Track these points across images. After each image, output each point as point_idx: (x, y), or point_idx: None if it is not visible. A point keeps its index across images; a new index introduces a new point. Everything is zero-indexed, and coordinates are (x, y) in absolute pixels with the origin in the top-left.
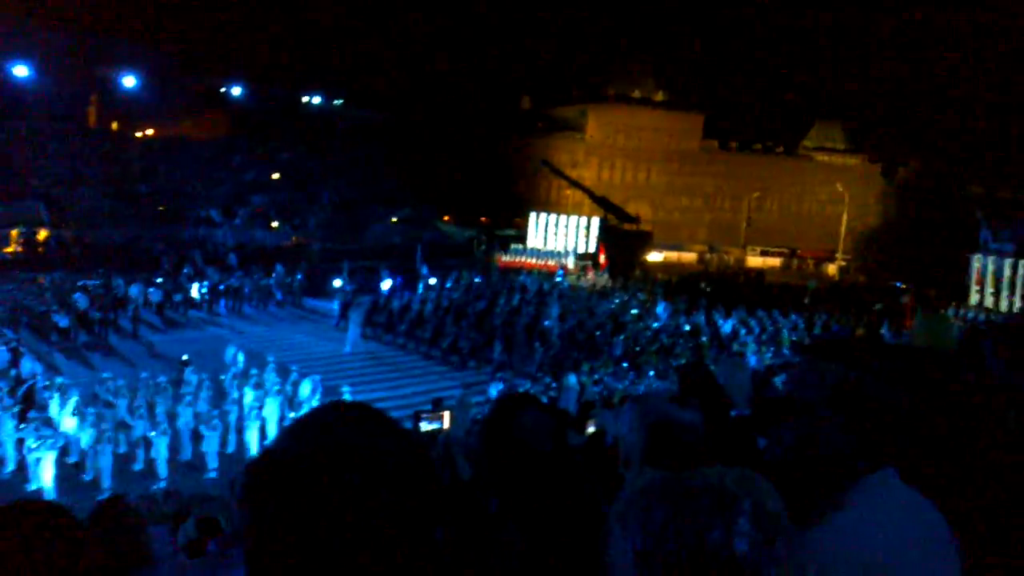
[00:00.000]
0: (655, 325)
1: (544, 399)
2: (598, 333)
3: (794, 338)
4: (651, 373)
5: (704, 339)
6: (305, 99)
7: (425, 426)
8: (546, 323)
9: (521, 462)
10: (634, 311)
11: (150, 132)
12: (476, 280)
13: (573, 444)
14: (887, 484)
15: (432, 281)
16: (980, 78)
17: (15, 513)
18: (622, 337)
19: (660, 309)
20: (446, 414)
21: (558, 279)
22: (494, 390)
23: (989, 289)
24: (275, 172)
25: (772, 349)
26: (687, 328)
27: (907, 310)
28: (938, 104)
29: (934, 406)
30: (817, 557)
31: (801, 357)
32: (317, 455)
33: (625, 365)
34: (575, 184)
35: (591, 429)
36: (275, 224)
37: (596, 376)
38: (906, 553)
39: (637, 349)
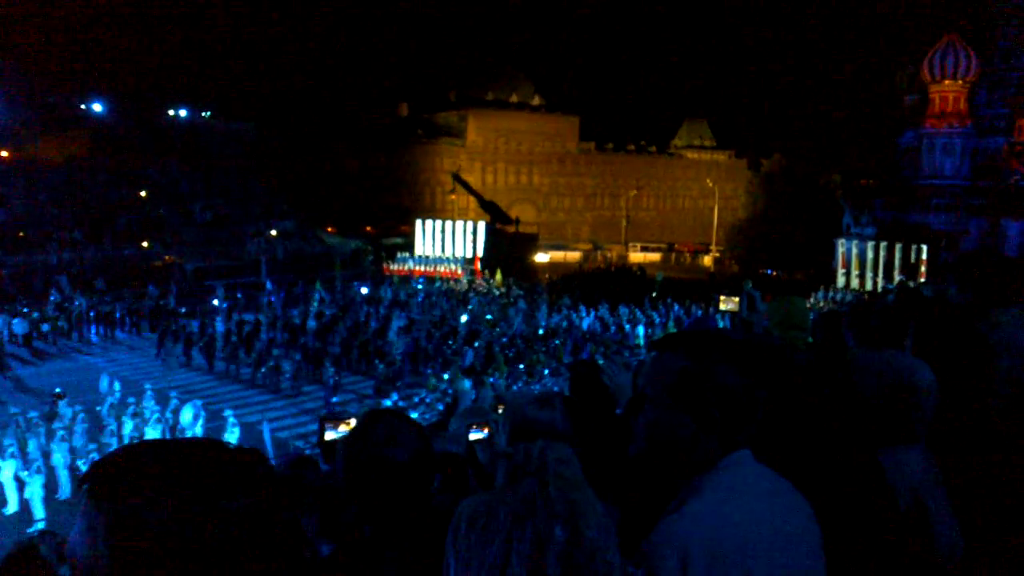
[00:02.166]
0: (511, 331)
1: (440, 406)
2: (450, 342)
3: (648, 332)
4: (546, 372)
5: (557, 342)
6: (171, 112)
7: (330, 435)
8: (390, 336)
9: (380, 477)
10: (488, 316)
11: (4, 154)
12: (364, 291)
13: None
14: (742, 466)
15: (314, 296)
16: (833, 74)
17: None
18: (475, 345)
19: (512, 312)
20: (352, 421)
21: (419, 286)
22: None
23: (855, 271)
24: (142, 189)
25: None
26: (541, 332)
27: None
28: (795, 99)
29: (776, 388)
30: (678, 543)
31: (651, 352)
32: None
33: (493, 370)
34: (475, 194)
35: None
36: (145, 243)
37: (491, 380)
38: (766, 530)
39: (499, 355)
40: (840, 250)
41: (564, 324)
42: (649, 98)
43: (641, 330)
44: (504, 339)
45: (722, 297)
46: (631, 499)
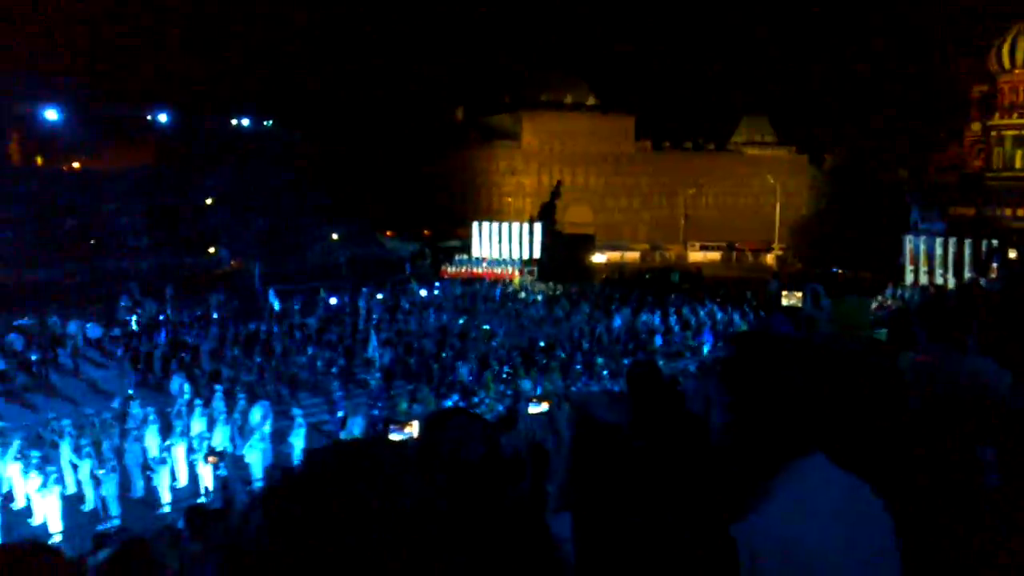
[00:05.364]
0: (499, 341)
1: (500, 407)
2: (444, 355)
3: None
4: (605, 373)
5: (562, 353)
6: (234, 122)
7: (394, 436)
8: (369, 353)
9: (453, 478)
10: (486, 327)
11: (76, 165)
12: (422, 294)
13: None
14: (816, 469)
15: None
16: (895, 65)
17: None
18: (467, 360)
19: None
20: (415, 423)
21: (436, 293)
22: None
23: (923, 268)
24: (208, 197)
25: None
26: (543, 344)
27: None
28: (857, 92)
29: (844, 390)
30: (750, 544)
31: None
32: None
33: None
34: (554, 196)
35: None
36: (211, 250)
37: (552, 376)
38: (840, 533)
39: (487, 372)
40: (908, 247)
41: (575, 333)
42: (706, 95)
43: (659, 340)
44: (501, 351)
45: (784, 292)
46: (713, 496)
